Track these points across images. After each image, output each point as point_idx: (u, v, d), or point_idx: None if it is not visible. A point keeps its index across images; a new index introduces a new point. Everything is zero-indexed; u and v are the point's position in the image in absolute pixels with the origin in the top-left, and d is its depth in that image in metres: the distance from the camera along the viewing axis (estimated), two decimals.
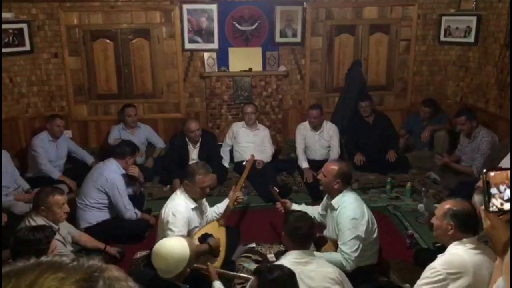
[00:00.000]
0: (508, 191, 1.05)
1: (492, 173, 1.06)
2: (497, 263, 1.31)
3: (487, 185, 1.07)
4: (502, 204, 1.05)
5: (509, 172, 1.06)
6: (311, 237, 2.70)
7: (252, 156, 4.33)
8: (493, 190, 1.06)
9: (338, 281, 2.47)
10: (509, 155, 4.05)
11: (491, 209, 1.07)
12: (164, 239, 2.59)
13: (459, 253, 2.24)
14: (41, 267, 0.58)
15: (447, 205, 2.40)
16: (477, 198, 2.81)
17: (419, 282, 2.26)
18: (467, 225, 2.30)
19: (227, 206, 3.57)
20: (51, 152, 4.77)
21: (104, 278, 0.59)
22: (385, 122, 5.39)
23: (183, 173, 3.38)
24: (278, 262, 2.56)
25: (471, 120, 4.59)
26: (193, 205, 3.29)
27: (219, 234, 3.38)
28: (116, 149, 4.17)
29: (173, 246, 2.41)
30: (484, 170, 1.07)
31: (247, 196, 4.66)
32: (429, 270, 2.24)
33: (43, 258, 0.60)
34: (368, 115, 5.30)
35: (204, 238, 3.28)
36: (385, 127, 5.35)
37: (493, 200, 1.07)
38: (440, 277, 2.16)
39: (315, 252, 2.98)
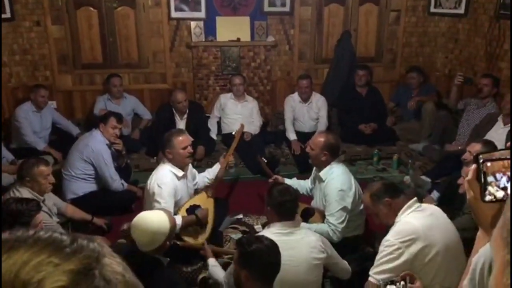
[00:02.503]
0: (504, 179, 1.05)
1: (489, 164, 1.06)
2: (479, 234, 1.32)
3: (484, 175, 1.06)
4: (497, 191, 1.05)
5: (505, 161, 1.05)
6: (296, 208, 2.72)
7: (242, 125, 4.30)
8: (490, 178, 1.06)
9: (322, 249, 2.50)
10: (494, 128, 4.10)
11: (486, 198, 1.07)
12: (144, 212, 2.56)
13: (408, 220, 2.31)
14: (38, 245, 0.53)
15: (367, 196, 2.53)
16: (465, 170, 2.84)
17: (377, 257, 2.30)
18: (395, 190, 2.45)
19: (219, 171, 3.58)
20: (35, 123, 4.69)
21: (100, 269, 0.54)
22: (377, 96, 5.40)
23: (161, 146, 3.34)
24: (260, 234, 2.57)
25: (493, 85, 4.51)
26: (180, 173, 3.26)
27: (208, 205, 3.39)
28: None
29: (152, 219, 2.39)
30: (481, 161, 1.06)
31: (234, 168, 4.66)
32: (383, 244, 2.29)
33: (42, 234, 0.56)
34: (362, 86, 5.28)
35: (192, 209, 3.28)
36: (376, 101, 5.35)
37: (489, 188, 1.06)
38: (394, 247, 2.22)
39: (302, 224, 3.00)
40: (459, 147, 4.51)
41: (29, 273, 0.50)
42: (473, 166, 1.12)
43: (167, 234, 2.37)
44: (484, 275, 1.12)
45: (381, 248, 2.29)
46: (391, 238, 2.25)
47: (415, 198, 2.41)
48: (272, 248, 2.13)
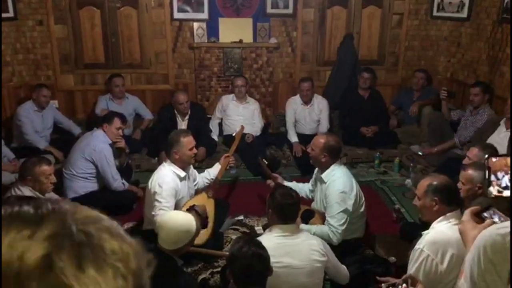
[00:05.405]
0: (506, 178, 1.04)
1: (494, 159, 1.05)
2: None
3: (488, 170, 1.05)
4: (499, 192, 1.04)
5: (508, 159, 1.04)
6: (297, 212, 2.70)
7: (242, 127, 4.30)
8: (492, 177, 1.05)
9: (322, 253, 2.49)
10: (496, 131, 4.09)
11: (489, 196, 1.06)
12: (176, 211, 2.74)
13: (443, 230, 2.23)
14: (3, 225, 0.50)
15: (426, 182, 2.38)
16: (463, 174, 2.82)
17: (410, 265, 2.25)
18: (451, 197, 2.32)
19: (219, 171, 3.59)
20: (36, 122, 4.70)
21: (77, 225, 0.52)
22: (379, 99, 5.40)
23: (166, 146, 3.35)
24: (263, 236, 2.57)
25: (485, 93, 4.49)
26: (182, 174, 3.28)
27: (208, 206, 3.39)
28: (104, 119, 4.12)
29: (183, 220, 2.53)
30: (486, 156, 1.06)
31: (235, 170, 4.66)
32: (416, 251, 2.22)
33: (2, 212, 0.52)
34: (365, 88, 5.27)
35: (192, 209, 3.29)
36: (378, 104, 5.35)
37: (490, 188, 1.05)
38: (429, 260, 2.17)
39: (302, 225, 3.00)
40: (435, 149, 4.62)
41: (6, 254, 0.48)
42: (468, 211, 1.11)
43: (192, 237, 2.50)
44: (476, 263, 1.11)
45: (412, 254, 2.24)
46: (425, 250, 2.18)
47: (459, 210, 2.30)
48: (256, 257, 2.07)
